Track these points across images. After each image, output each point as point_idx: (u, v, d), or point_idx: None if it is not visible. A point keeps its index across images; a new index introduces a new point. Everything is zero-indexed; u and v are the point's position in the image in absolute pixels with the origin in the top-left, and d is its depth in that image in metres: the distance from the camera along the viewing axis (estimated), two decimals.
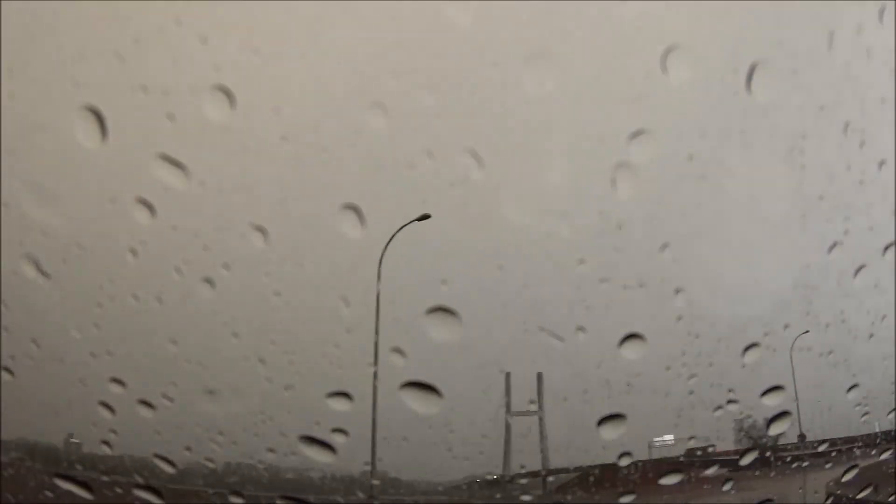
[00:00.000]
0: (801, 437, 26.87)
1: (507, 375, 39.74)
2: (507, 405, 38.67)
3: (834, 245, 8.08)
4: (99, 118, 4.80)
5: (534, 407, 41.74)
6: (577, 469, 35.39)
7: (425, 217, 15.91)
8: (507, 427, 38.33)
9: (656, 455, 37.38)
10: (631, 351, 6.08)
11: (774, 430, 6.32)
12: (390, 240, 15.71)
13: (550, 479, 39.80)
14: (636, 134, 5.64)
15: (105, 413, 5.64)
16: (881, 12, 6.84)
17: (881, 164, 8.00)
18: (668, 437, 39.40)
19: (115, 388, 5.97)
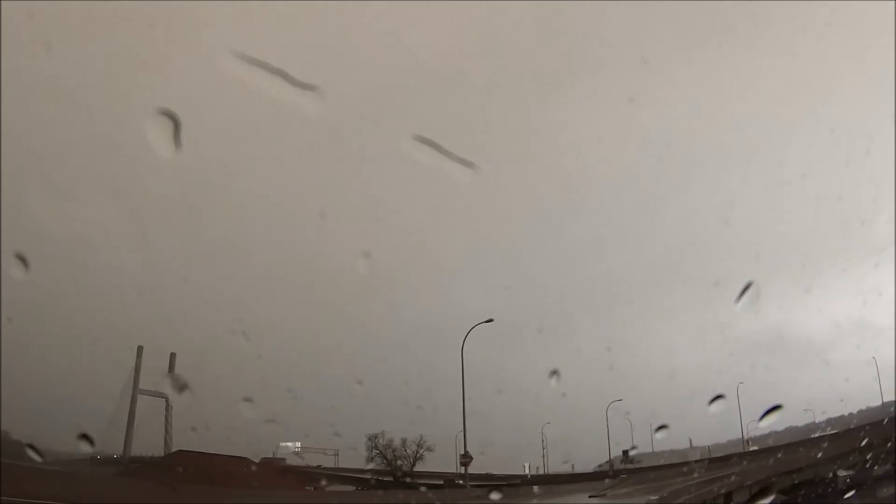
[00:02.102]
0: (465, 456, 26.46)
1: (139, 350, 36.62)
2: (135, 382, 37.33)
3: None
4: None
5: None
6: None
7: None
8: (133, 405, 37.19)
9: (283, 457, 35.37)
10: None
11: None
12: None
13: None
14: None
15: None
16: None
17: None
18: (297, 444, 37.14)
19: None
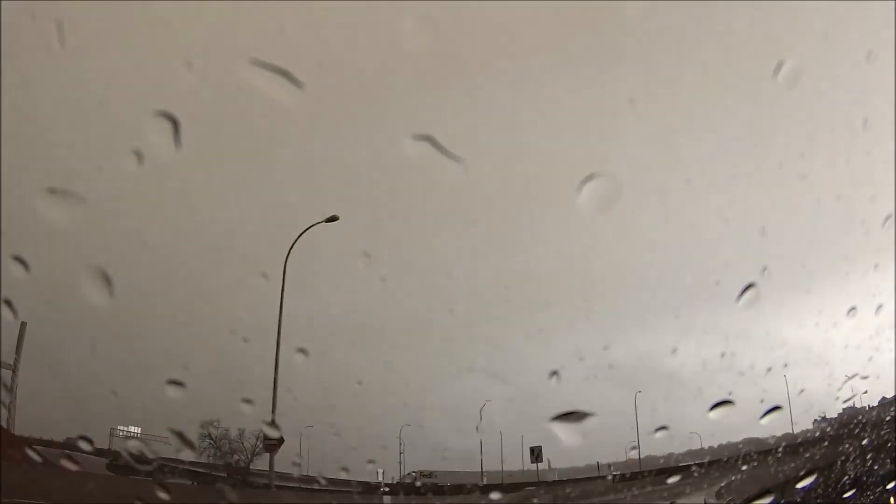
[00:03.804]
0: (269, 439, 23.67)
1: None
2: None
3: None
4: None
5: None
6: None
7: None
8: None
9: (117, 444, 34.76)
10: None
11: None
12: None
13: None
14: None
15: None
16: None
17: None
18: (135, 428, 36.59)
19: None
